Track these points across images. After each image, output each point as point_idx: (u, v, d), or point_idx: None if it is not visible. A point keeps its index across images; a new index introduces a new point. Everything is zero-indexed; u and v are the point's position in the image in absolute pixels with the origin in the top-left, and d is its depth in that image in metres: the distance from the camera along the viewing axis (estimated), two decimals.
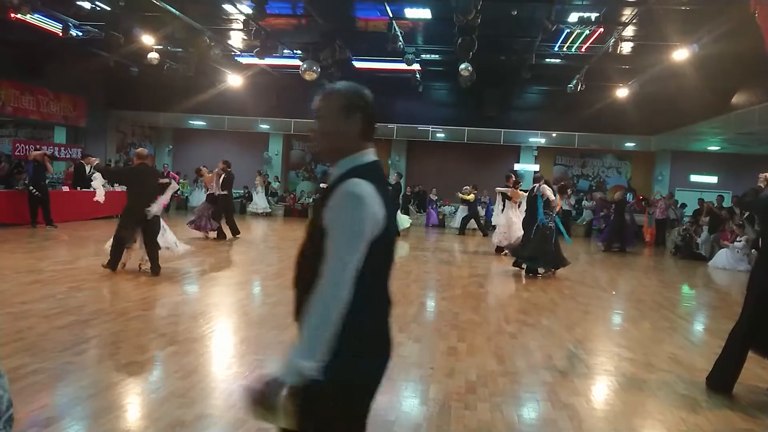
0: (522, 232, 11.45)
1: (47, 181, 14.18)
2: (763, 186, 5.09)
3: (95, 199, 9.88)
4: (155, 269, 8.31)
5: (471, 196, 17.69)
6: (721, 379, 4.68)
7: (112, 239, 8.34)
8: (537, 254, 10.31)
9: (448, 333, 6.03)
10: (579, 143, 21.09)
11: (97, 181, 9.64)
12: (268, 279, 9.09)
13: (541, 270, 10.58)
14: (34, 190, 13.42)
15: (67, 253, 10.28)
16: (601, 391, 4.70)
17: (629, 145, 21.78)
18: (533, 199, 10.65)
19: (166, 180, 8.98)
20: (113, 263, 8.25)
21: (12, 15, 11.50)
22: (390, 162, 23.20)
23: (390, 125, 21.18)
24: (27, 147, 17.61)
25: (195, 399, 3.87)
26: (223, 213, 13.34)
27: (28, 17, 12.25)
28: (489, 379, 4.65)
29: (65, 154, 17.92)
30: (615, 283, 10.87)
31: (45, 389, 3.90)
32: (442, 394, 4.26)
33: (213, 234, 13.15)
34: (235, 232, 13.43)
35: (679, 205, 19.20)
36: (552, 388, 4.52)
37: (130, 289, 7.30)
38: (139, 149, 8.88)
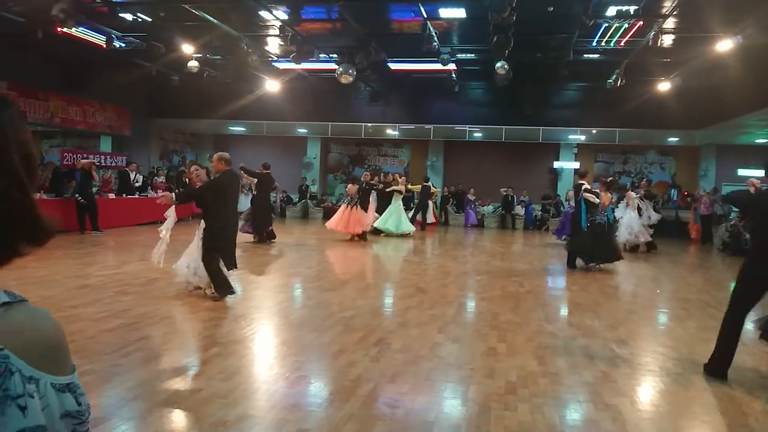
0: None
1: (94, 189, 14.63)
2: (752, 191, 5.25)
3: (156, 261, 7.53)
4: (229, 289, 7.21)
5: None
6: (718, 367, 4.92)
7: (206, 269, 7.01)
8: (589, 250, 10.95)
9: (488, 334, 6.00)
10: (620, 139, 20.68)
11: (168, 222, 7.61)
12: (307, 281, 9.18)
13: (582, 263, 11.18)
14: (80, 198, 13.89)
15: (114, 258, 10.58)
16: (645, 391, 4.61)
17: (672, 140, 21.26)
18: (580, 201, 11.15)
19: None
20: (225, 288, 7.05)
21: (59, 29, 11.91)
22: (428, 163, 23.19)
23: (426, 126, 21.15)
24: (74, 156, 18.20)
25: (237, 400, 3.94)
26: (255, 214, 13.62)
27: (73, 31, 12.66)
28: (529, 379, 4.61)
29: (111, 162, 18.43)
30: (659, 281, 10.62)
31: (93, 390, 4.02)
32: (481, 394, 4.24)
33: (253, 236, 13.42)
34: (270, 235, 13.68)
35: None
36: (594, 389, 4.45)
37: (174, 293, 7.46)
38: (222, 153, 7.50)
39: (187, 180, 20.84)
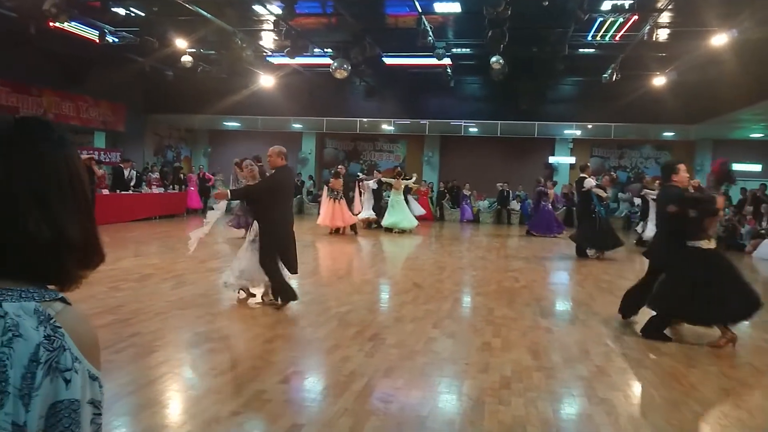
0: None
1: (93, 185, 14.57)
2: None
3: (190, 245, 6.74)
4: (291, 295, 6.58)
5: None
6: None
7: (266, 274, 6.51)
8: (599, 239, 11.84)
9: (483, 329, 5.99)
10: (616, 134, 20.70)
11: (216, 213, 6.94)
12: (303, 277, 9.15)
13: (591, 252, 12.05)
14: None
15: (108, 254, 10.52)
16: (639, 386, 4.61)
17: (668, 134, 21.29)
18: (587, 194, 11.81)
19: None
20: (287, 293, 6.55)
21: (51, 24, 11.84)
22: (424, 158, 23.17)
23: (422, 121, 21.13)
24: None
25: (231, 395, 3.93)
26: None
27: (65, 25, 12.58)
28: (524, 374, 4.60)
29: (105, 158, 18.36)
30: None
31: None
32: (476, 389, 4.23)
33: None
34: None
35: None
36: (589, 383, 4.45)
37: (168, 288, 7.44)
38: (279, 147, 6.64)
39: (182, 175, 20.85)
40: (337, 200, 14.80)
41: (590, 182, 11.73)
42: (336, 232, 14.90)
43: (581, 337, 5.81)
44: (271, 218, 6.49)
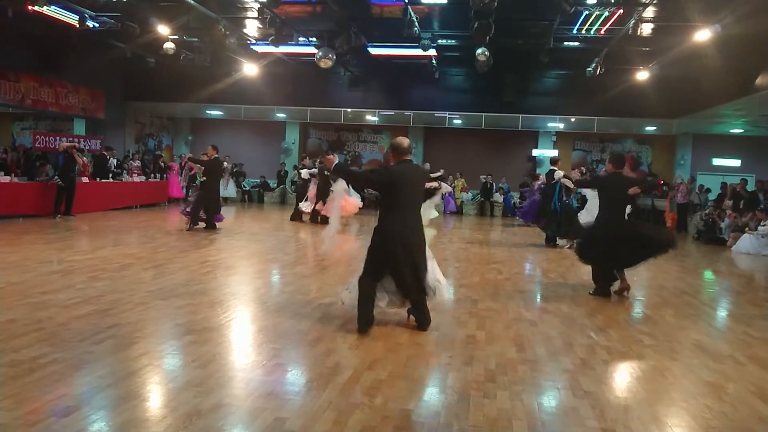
0: None
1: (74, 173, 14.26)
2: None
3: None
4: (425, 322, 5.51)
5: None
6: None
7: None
8: (565, 228, 12.23)
9: (467, 321, 5.98)
10: (598, 128, 20.82)
11: (339, 195, 6.61)
12: (285, 268, 9.09)
13: (561, 242, 12.49)
14: (60, 181, 13.58)
15: (87, 243, 10.37)
16: (623, 378, 4.62)
17: (650, 129, 21.46)
18: (552, 186, 12.33)
19: (435, 183, 6.64)
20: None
21: (29, 7, 11.58)
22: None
23: (406, 112, 21.08)
24: (47, 139, 17.82)
25: (212, 388, 3.86)
26: (204, 201, 12.55)
27: (44, 9, 12.31)
28: (509, 367, 4.59)
29: (86, 146, 18.07)
30: (636, 269, 10.70)
31: (64, 379, 3.91)
32: (460, 382, 4.21)
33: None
34: (194, 222, 12.45)
35: (704, 190, 18.88)
36: (573, 376, 4.45)
37: (148, 279, 7.33)
38: (400, 138, 5.71)
39: (163, 163, 20.59)
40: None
41: (559, 174, 12.16)
42: (317, 221, 14.79)
43: (565, 330, 5.82)
44: (397, 215, 5.48)
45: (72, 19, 13.42)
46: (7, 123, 24.22)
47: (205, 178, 12.81)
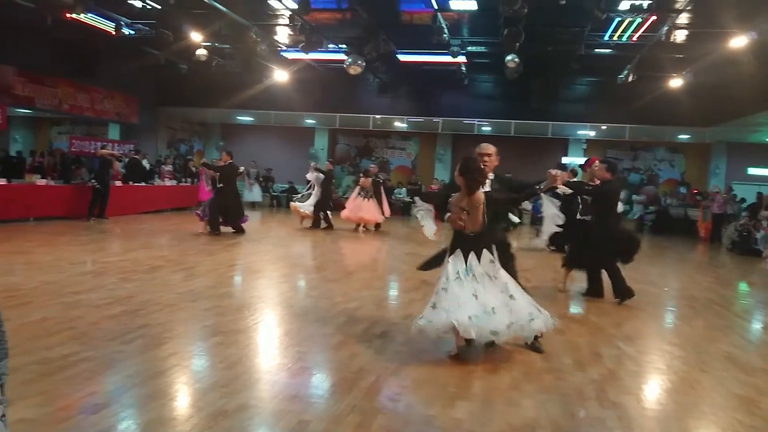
0: None
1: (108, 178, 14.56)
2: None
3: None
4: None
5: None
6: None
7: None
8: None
9: None
10: (630, 136, 20.53)
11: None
12: (311, 272, 9.15)
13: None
14: (96, 184, 13.92)
15: (119, 245, 10.57)
16: (651, 390, 4.54)
17: (683, 137, 21.09)
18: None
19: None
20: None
21: (67, 15, 11.89)
22: (436, 156, 23.09)
23: (435, 119, 21.07)
24: (82, 143, 18.25)
25: (238, 389, 3.90)
26: (220, 207, 12.52)
27: (82, 17, 12.63)
28: (534, 375, 4.55)
29: (119, 150, 18.46)
30: (666, 279, 10.53)
31: (94, 377, 3.99)
32: (485, 389, 4.18)
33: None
34: (214, 228, 12.43)
35: (738, 199, 18.48)
36: (600, 386, 4.38)
37: (178, 281, 7.44)
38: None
39: (193, 168, 20.90)
40: (367, 198, 14.90)
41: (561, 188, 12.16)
42: (358, 227, 15.00)
43: (592, 339, 5.74)
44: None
45: (108, 26, 13.74)
46: (46, 128, 24.86)
47: (221, 185, 12.56)
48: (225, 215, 12.54)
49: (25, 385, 3.67)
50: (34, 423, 3.23)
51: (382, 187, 15.61)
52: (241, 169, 13.62)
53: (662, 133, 20.68)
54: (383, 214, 15.22)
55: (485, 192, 4.89)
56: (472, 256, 4.78)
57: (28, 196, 13.01)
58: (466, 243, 4.82)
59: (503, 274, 4.82)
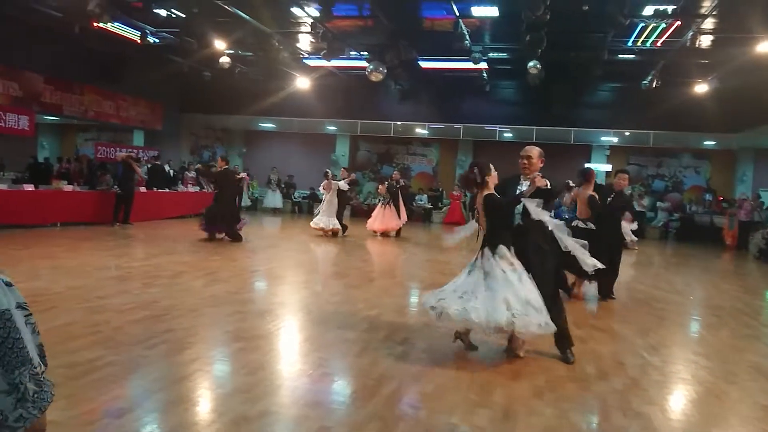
0: None
1: (132, 182, 14.73)
2: None
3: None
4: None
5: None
6: None
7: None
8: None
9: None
10: (654, 142, 20.29)
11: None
12: (333, 278, 9.17)
13: None
14: (119, 189, 14.12)
15: (142, 251, 10.70)
16: (676, 400, 4.47)
17: (708, 143, 20.79)
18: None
19: None
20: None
21: (94, 24, 12.11)
22: (457, 162, 23.05)
23: (456, 125, 21.03)
24: (108, 150, 18.54)
25: (259, 395, 3.92)
26: (217, 213, 12.22)
27: (108, 26, 12.86)
28: (557, 384, 4.50)
29: (143, 156, 18.72)
30: (692, 288, 10.38)
31: (118, 381, 4.04)
32: (506, 398, 4.15)
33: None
34: (212, 235, 12.24)
35: (765, 207, 18.16)
36: (623, 396, 4.33)
37: (200, 286, 7.51)
38: (527, 147, 5.50)
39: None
40: (386, 206, 14.96)
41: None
42: (382, 235, 15.14)
43: (616, 348, 5.68)
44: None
45: (134, 34, 13.98)
46: (72, 134, 25.33)
47: (218, 191, 12.38)
48: (221, 221, 12.15)
49: None
50: (61, 426, 3.27)
51: (399, 192, 15.57)
52: (242, 174, 13.43)
53: (687, 140, 20.41)
54: (399, 218, 15.23)
55: (485, 195, 5.10)
56: (479, 253, 5.13)
57: (55, 201, 13.24)
58: (482, 241, 5.20)
59: (498, 273, 4.89)
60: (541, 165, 5.39)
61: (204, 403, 3.85)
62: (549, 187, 5.06)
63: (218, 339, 5.36)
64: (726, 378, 4.93)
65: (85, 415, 3.44)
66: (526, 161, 5.34)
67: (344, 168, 15.79)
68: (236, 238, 12.27)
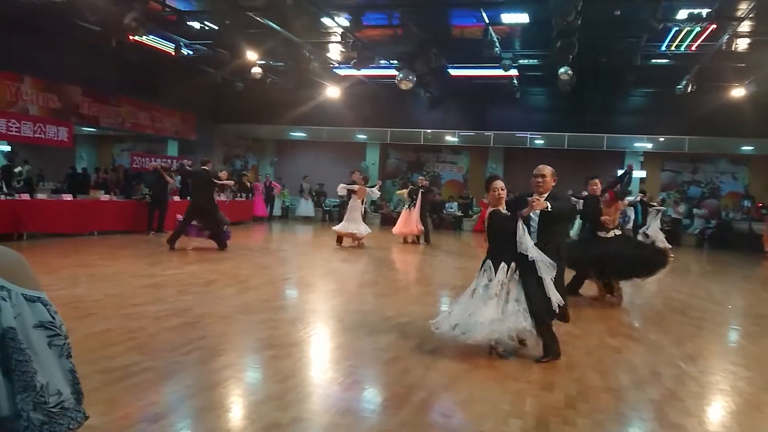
0: None
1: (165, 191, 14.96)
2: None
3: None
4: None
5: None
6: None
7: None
8: None
9: None
10: (690, 147, 19.87)
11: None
12: (363, 286, 9.19)
13: None
14: (148, 197, 14.39)
15: (176, 259, 10.86)
16: (715, 412, 4.37)
17: (746, 148, 20.30)
18: None
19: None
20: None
21: (130, 37, 12.40)
22: (488, 170, 22.93)
23: (486, 132, 20.92)
24: (143, 160, 18.91)
25: (291, 402, 3.95)
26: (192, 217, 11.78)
27: (144, 39, 13.16)
28: (590, 394, 4.44)
29: (177, 166, 19.03)
30: (730, 296, 10.13)
31: (153, 387, 4.11)
32: (539, 408, 4.11)
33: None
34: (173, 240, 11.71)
35: None
36: (660, 407, 4.24)
37: (232, 294, 7.60)
38: (540, 166, 5.83)
39: (248, 184, 21.37)
40: (411, 209, 15.14)
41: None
42: (405, 241, 15.28)
43: (651, 358, 5.57)
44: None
45: (168, 47, 14.28)
46: (109, 145, 25.92)
47: (193, 189, 11.86)
48: (198, 219, 11.68)
49: (90, 393, 3.79)
50: (98, 430, 3.34)
51: (420, 196, 15.42)
52: (226, 181, 12.79)
53: (724, 145, 19.95)
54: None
55: (490, 211, 5.35)
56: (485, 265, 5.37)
57: (93, 211, 13.57)
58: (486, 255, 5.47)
59: (493, 285, 5.16)
60: (554, 183, 5.64)
61: (236, 410, 3.89)
62: (549, 209, 5.16)
63: (250, 346, 5.42)
64: (767, 389, 4.80)
65: (121, 420, 3.51)
66: (540, 180, 5.57)
67: (357, 170, 15.07)
68: (221, 244, 11.84)
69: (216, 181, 12.16)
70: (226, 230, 12.05)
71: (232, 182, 13.06)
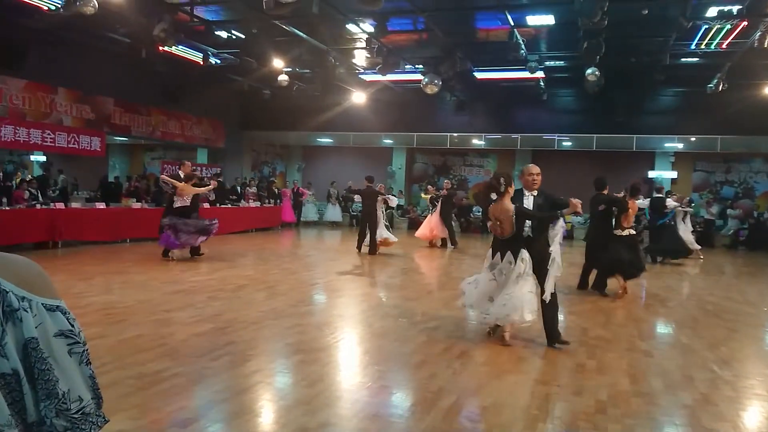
0: None
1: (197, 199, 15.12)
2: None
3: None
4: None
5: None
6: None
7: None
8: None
9: (576, 350, 5.75)
10: (722, 147, 19.46)
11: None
12: (391, 291, 9.20)
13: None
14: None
15: (206, 265, 11.00)
16: (750, 417, 4.27)
17: None
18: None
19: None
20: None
21: (160, 48, 12.64)
22: (515, 173, 22.77)
23: (513, 135, 20.78)
24: (173, 168, 19.22)
25: (320, 407, 3.98)
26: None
27: (173, 49, 13.39)
28: (621, 399, 4.38)
29: (207, 173, 19.30)
30: (765, 298, 9.88)
31: (184, 392, 4.18)
32: (569, 413, 4.07)
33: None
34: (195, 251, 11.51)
35: None
36: (693, 412, 4.17)
37: (261, 299, 7.67)
38: (531, 165, 6.32)
39: (276, 189, 21.57)
40: (433, 213, 15.27)
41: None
42: (431, 245, 15.35)
43: (684, 362, 5.47)
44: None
45: (196, 56, 14.50)
46: (140, 154, 26.40)
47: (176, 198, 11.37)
48: (184, 228, 11.01)
49: (122, 398, 3.89)
50: None
51: (440, 201, 15.28)
52: (208, 195, 12.28)
53: (758, 144, 19.51)
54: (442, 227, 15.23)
55: (517, 206, 5.69)
56: (497, 256, 5.79)
57: (125, 219, 13.83)
58: (498, 245, 5.86)
59: (513, 275, 5.62)
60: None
61: (266, 415, 3.93)
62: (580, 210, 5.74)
63: (279, 351, 5.47)
64: None
65: (153, 424, 3.58)
66: (537, 177, 6.14)
67: (370, 176, 14.69)
68: (195, 251, 11.46)
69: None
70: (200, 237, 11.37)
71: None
